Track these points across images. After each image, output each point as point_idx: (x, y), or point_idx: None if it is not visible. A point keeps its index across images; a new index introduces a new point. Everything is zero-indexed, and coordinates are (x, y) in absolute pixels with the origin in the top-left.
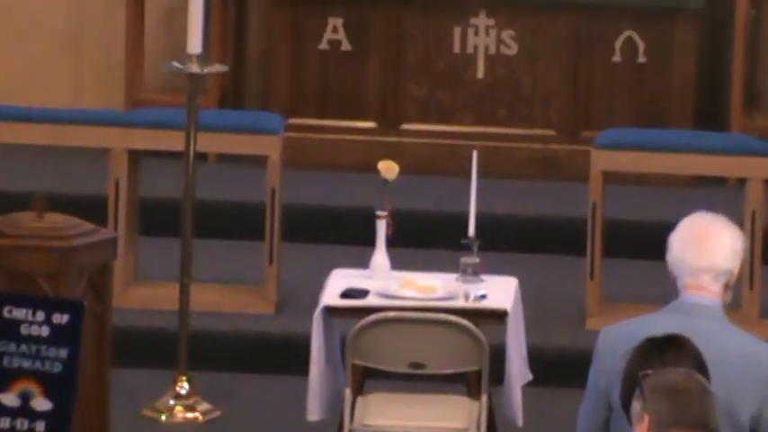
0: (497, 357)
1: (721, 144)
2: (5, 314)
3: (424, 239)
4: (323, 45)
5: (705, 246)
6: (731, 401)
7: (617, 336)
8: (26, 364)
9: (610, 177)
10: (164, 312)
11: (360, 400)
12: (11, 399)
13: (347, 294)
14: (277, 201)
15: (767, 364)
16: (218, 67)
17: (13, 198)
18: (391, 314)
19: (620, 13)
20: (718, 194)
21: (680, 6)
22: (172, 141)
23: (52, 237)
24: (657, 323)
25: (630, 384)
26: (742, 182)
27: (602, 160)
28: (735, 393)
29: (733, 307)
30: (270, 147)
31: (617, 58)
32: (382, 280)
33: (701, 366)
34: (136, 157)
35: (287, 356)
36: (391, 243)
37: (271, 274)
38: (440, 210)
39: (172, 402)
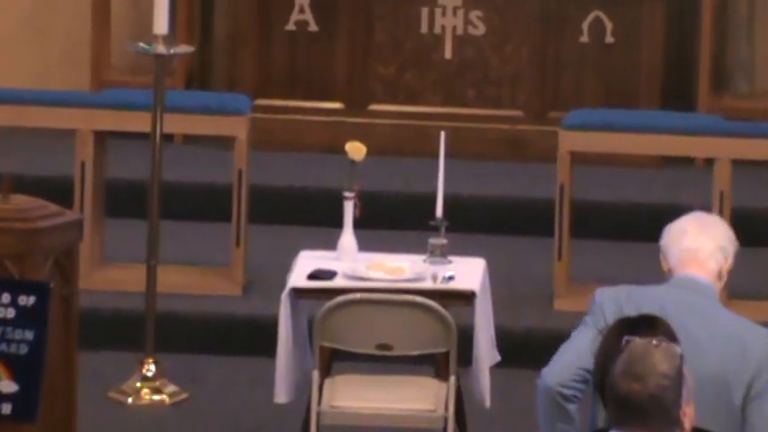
0: (465, 339)
1: (689, 124)
2: None
3: (392, 221)
4: (290, 26)
5: (703, 226)
6: (725, 381)
7: (616, 291)
8: None
9: (578, 158)
10: (130, 294)
11: (327, 382)
12: None
13: (314, 276)
14: (244, 182)
15: (759, 348)
16: (184, 48)
17: None
18: (359, 296)
19: None
20: (686, 175)
21: None
22: (138, 122)
23: (17, 219)
24: (655, 291)
25: (603, 365)
26: (710, 162)
27: (570, 141)
28: (727, 373)
29: None
30: (237, 128)
31: (585, 38)
32: (350, 261)
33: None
34: (102, 138)
35: (254, 338)
36: (359, 224)
37: (238, 256)
38: (407, 191)
39: (138, 385)
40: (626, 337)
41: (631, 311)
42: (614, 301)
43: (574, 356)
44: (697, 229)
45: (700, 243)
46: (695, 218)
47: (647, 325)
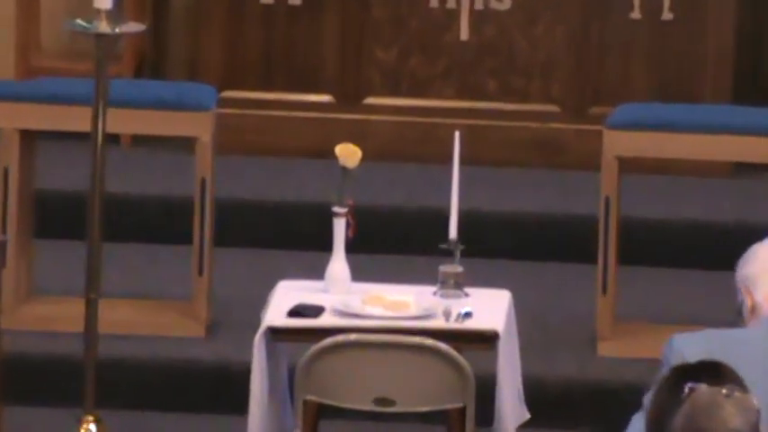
0: (486, 391)
1: (767, 123)
2: None
3: (394, 243)
4: None
5: None
6: None
7: (701, 335)
8: None
9: (626, 165)
10: (66, 335)
11: None
12: None
13: (296, 312)
14: (208, 194)
15: None
16: (133, 26)
17: None
18: (352, 337)
19: None
20: (763, 185)
21: None
22: (75, 120)
23: None
24: (750, 334)
25: (659, 420)
26: None
27: (617, 143)
28: None
29: None
30: (199, 126)
31: (636, 14)
32: (341, 294)
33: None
34: (30, 139)
35: (221, 390)
36: (352, 247)
37: (200, 288)
38: (413, 205)
39: None
40: (689, 385)
41: (727, 358)
42: (701, 345)
43: None
44: None
45: None
46: None
47: (711, 372)
